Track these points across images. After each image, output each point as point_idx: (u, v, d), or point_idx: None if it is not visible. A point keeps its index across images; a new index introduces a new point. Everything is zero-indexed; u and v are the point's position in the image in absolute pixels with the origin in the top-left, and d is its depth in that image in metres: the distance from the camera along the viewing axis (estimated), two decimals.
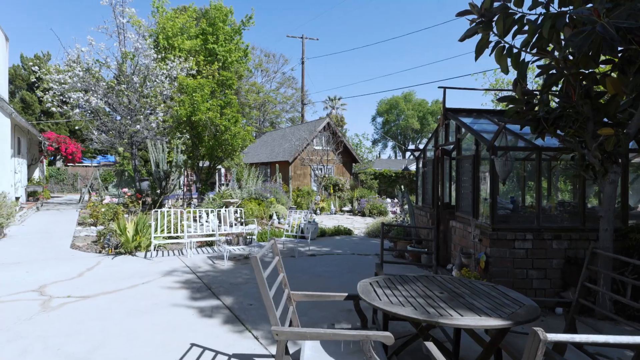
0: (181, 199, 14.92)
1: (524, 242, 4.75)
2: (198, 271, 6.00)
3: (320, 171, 20.97)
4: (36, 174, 19.69)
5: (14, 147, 13.17)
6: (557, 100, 4.84)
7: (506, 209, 5.49)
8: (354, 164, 24.61)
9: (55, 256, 6.82)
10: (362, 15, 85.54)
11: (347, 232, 10.27)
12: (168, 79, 14.29)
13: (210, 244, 8.22)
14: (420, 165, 8.08)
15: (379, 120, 64.89)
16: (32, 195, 16.40)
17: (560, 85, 4.74)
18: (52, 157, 26.49)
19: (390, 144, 65.74)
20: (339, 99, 47.01)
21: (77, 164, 25.93)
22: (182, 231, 7.65)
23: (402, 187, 23.14)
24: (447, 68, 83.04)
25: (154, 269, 6.05)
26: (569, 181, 6.96)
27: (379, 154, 59.18)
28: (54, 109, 12.75)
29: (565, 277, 4.74)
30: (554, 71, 4.41)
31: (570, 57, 4.23)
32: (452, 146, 6.63)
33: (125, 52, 14.06)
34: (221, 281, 5.47)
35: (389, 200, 20.26)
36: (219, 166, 19.31)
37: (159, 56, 15.01)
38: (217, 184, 22.00)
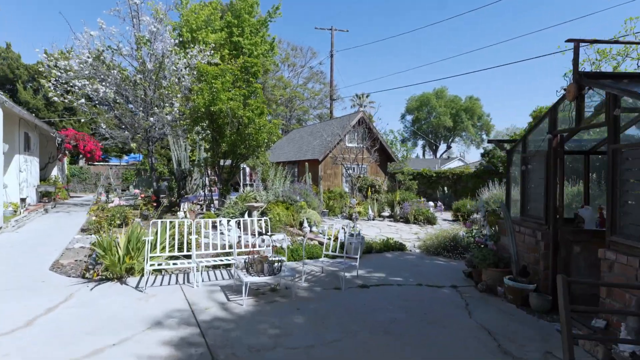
0: (201, 200, 13.23)
1: None
2: (202, 318, 4.04)
3: (353, 170, 18.77)
4: (54, 173, 18.70)
5: (18, 143, 11.89)
6: None
7: None
8: (388, 163, 22.27)
9: (20, 284, 5.08)
10: (393, 2, 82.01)
11: (399, 248, 8.09)
12: (187, 68, 12.64)
13: (227, 265, 6.29)
14: (517, 161, 5.80)
15: (409, 117, 61.69)
16: (46, 196, 15.21)
17: None
18: (76, 156, 25.80)
19: (420, 142, 62.51)
20: (367, 96, 44.58)
21: (98, 163, 25.13)
22: (190, 249, 5.75)
23: (445, 188, 20.58)
24: (485, 60, 78.49)
25: (140, 312, 4.16)
26: None
27: (408, 152, 55.99)
28: (56, 98, 11.36)
29: None
30: None
31: None
32: (589, 130, 4.36)
33: (140, 36, 12.51)
34: (235, 341, 3.48)
35: (431, 203, 17.82)
36: (243, 165, 17.56)
37: (176, 41, 13.37)
38: (241, 184, 20.29)
